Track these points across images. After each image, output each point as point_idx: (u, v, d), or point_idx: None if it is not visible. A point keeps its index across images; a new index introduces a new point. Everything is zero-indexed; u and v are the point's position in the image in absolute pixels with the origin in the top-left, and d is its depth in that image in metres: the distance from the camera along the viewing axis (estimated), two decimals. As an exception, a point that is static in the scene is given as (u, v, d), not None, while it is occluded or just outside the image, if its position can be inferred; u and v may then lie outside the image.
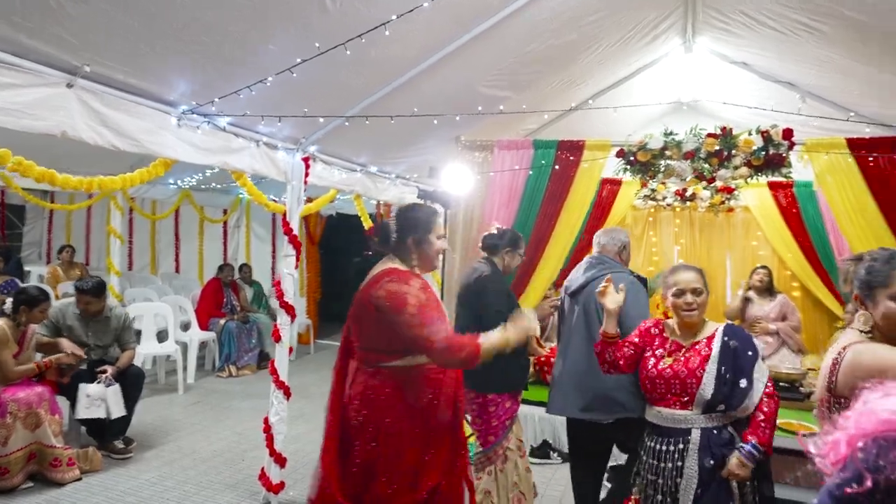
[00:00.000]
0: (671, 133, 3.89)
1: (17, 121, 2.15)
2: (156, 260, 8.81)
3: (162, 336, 6.15)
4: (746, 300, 5.23)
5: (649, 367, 2.29)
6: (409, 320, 2.01)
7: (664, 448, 2.22)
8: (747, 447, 2.12)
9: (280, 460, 3.57)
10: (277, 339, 3.63)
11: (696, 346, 2.26)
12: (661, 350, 2.31)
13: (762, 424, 2.15)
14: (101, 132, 2.46)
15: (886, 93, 3.69)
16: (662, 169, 3.96)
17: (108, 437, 4.17)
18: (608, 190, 5.70)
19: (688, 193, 5.83)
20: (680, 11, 3.84)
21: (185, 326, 6.75)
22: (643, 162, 3.98)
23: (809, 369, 4.70)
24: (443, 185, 4.56)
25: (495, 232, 3.22)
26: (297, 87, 2.90)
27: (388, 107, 3.39)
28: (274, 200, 4.36)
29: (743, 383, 2.16)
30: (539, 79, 4.09)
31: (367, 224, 5.04)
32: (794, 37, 3.46)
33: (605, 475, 3.19)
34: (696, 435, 2.17)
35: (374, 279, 2.15)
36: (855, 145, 3.67)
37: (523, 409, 3.35)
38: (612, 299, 2.37)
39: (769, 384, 2.22)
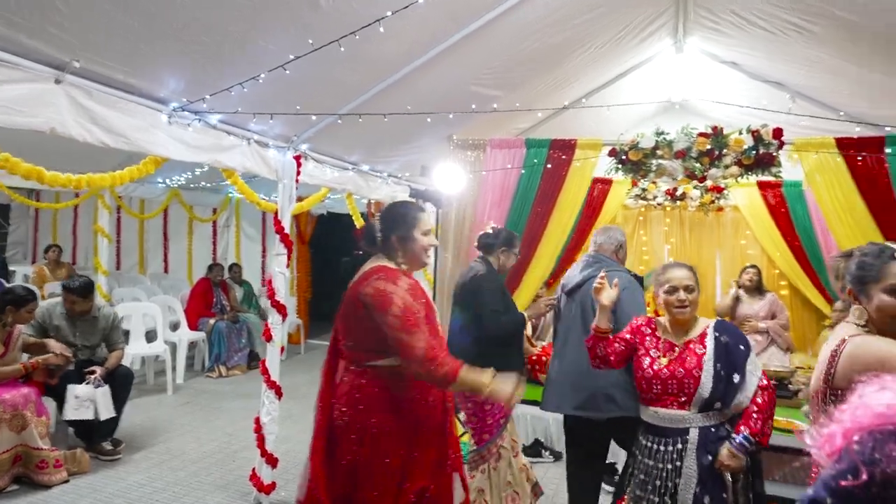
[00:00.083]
0: (663, 132, 3.92)
1: (5, 117, 2.12)
2: (144, 259, 8.73)
3: (151, 336, 6.09)
4: (736, 299, 5.28)
5: (645, 367, 2.29)
6: (392, 321, 1.98)
7: (661, 448, 2.22)
8: (738, 438, 2.13)
9: (271, 461, 3.54)
10: (269, 338, 3.60)
11: (691, 346, 2.26)
12: (654, 350, 2.31)
13: (754, 415, 2.16)
14: (90, 129, 2.43)
15: (877, 93, 3.73)
16: (654, 168, 3.99)
17: (97, 438, 4.12)
18: (599, 189, 5.72)
19: (678, 193, 5.87)
20: (671, 11, 3.87)
21: (175, 326, 6.68)
22: (635, 161, 4.00)
23: (798, 367, 4.75)
24: (435, 184, 4.55)
25: (490, 231, 3.23)
26: (289, 84, 2.88)
27: (380, 105, 3.38)
28: (264, 199, 4.33)
29: (736, 378, 2.17)
30: (532, 77, 4.10)
31: (359, 223, 5.02)
32: (784, 37, 3.49)
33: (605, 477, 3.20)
34: (693, 434, 2.18)
35: (364, 276, 2.13)
36: (843, 145, 3.72)
37: (514, 408, 3.35)
38: (607, 295, 2.38)
39: (763, 377, 2.23)
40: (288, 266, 3.74)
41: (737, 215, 6.19)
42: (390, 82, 3.30)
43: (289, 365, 6.94)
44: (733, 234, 6.35)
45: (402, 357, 2.00)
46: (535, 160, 4.30)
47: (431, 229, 2.26)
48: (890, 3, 2.83)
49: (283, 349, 3.84)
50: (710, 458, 2.15)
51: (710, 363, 2.19)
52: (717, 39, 4.09)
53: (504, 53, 3.63)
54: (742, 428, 2.15)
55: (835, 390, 1.66)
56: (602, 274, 2.41)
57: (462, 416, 3.20)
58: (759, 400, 2.18)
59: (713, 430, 2.18)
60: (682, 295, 2.27)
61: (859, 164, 3.70)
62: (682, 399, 2.20)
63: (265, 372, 3.58)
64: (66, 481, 3.71)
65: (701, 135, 3.84)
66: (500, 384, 2.00)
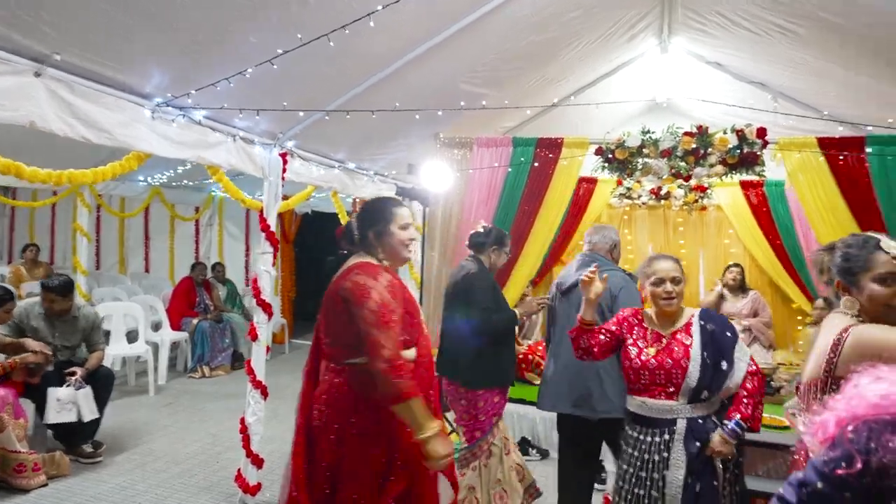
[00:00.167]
0: (649, 131, 3.95)
1: (-17, 110, 2.07)
2: (125, 259, 8.57)
3: (132, 336, 5.99)
4: (721, 297, 5.35)
5: (632, 357, 2.30)
6: (367, 315, 1.94)
7: (649, 439, 2.23)
8: (730, 424, 2.14)
9: (257, 461, 3.50)
10: (254, 337, 3.56)
11: (678, 336, 2.27)
12: (642, 341, 2.32)
13: (745, 400, 2.18)
14: (71, 123, 2.38)
15: (863, 95, 3.78)
16: (640, 167, 4.01)
17: (77, 440, 4.04)
18: (584, 188, 5.76)
19: (662, 192, 5.92)
20: (657, 11, 3.90)
21: (156, 326, 6.58)
22: (621, 159, 4.02)
23: (780, 364, 4.83)
24: (422, 182, 4.53)
25: (482, 230, 3.23)
26: (276, 80, 2.85)
27: (368, 102, 3.36)
28: (248, 197, 4.27)
29: (724, 365, 2.19)
30: (519, 75, 4.10)
31: (345, 221, 4.98)
32: (769, 38, 3.53)
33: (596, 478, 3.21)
34: (681, 425, 2.19)
35: (345, 271, 2.10)
36: (826, 144, 3.77)
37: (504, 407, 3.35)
38: (594, 289, 2.36)
39: (752, 362, 2.25)
40: (273, 265, 3.70)
41: (720, 214, 6.27)
42: (378, 78, 3.27)
43: (273, 364, 6.85)
44: (716, 233, 6.43)
45: (368, 353, 1.94)
46: (522, 159, 4.30)
47: (411, 223, 2.20)
48: (873, 7, 2.86)
49: (268, 349, 3.79)
50: (698, 445, 2.15)
51: (698, 352, 2.20)
52: (702, 40, 4.13)
53: (492, 51, 3.63)
54: (733, 413, 2.16)
55: (836, 380, 1.64)
56: (592, 268, 2.40)
57: (451, 415, 3.20)
58: (748, 385, 2.20)
59: (700, 421, 2.19)
60: (668, 286, 2.28)
61: (841, 163, 3.76)
62: (671, 389, 2.21)
63: (251, 372, 3.54)
64: (45, 485, 3.63)
65: (686, 134, 3.87)
66: (438, 440, 1.94)
